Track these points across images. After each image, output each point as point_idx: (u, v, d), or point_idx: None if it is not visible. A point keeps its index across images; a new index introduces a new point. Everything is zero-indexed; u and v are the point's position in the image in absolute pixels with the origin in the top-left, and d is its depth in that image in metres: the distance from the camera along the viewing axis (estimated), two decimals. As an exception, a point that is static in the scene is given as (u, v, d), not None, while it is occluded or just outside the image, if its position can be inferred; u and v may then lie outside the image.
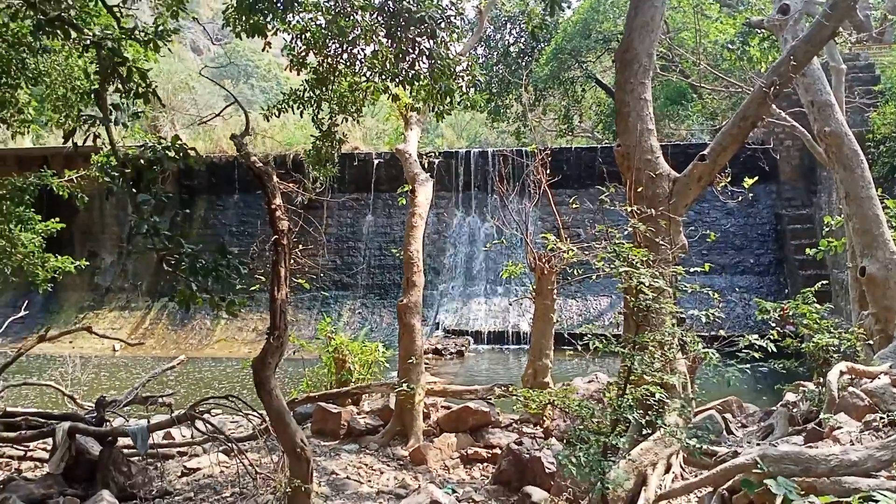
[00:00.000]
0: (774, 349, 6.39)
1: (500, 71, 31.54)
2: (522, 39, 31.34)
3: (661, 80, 24.49)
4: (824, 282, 15.82)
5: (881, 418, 5.64)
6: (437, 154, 14.82)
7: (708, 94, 23.42)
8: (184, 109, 24.52)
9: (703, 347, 5.73)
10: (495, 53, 31.64)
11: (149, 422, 7.38)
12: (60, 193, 10.95)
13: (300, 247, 6.91)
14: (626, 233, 6.58)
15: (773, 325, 9.05)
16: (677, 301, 6.54)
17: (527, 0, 30.50)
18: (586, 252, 7.90)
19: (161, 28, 6.72)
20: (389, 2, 7.41)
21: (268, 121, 9.02)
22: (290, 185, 7.08)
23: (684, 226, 7.88)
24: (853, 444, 5.39)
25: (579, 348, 6.13)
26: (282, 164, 17.94)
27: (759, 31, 12.08)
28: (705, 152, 6.38)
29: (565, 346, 12.87)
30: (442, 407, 9.75)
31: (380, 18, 7.76)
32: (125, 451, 7.20)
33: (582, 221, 17.20)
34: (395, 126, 13.60)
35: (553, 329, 9.31)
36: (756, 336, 7.94)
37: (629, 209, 6.27)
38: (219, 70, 39.01)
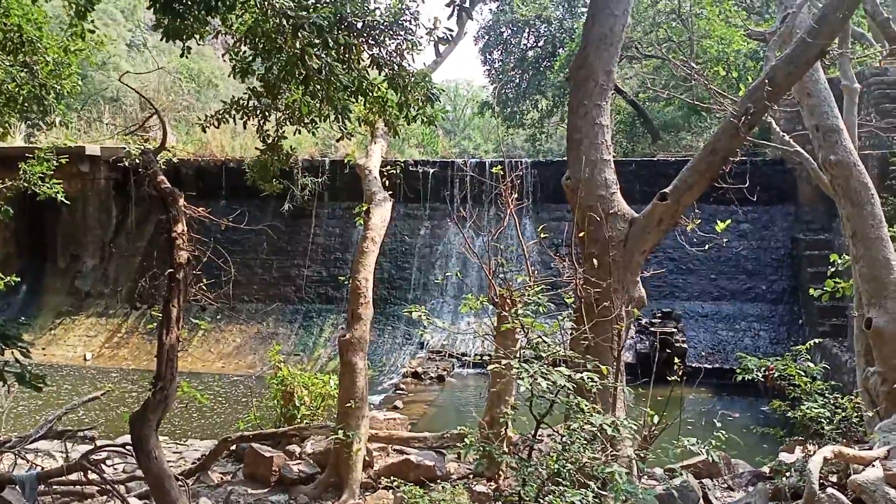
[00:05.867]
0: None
1: (516, 76, 30.53)
2: (540, 44, 30.30)
3: (684, 89, 23.32)
4: (837, 319, 14.68)
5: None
6: (402, 169, 13.53)
7: (731, 103, 22.13)
8: (199, 109, 23.89)
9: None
10: (512, 58, 30.65)
11: (42, 469, 6.70)
12: (40, 196, 10.39)
13: (203, 281, 6.05)
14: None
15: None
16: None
17: (544, 3, 29.55)
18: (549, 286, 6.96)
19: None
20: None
21: (204, 131, 8.27)
22: (200, 210, 6.22)
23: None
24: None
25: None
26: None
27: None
28: (667, 190, 5.33)
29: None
30: (394, 451, 8.85)
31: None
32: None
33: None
34: (360, 138, 12.65)
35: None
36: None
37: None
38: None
